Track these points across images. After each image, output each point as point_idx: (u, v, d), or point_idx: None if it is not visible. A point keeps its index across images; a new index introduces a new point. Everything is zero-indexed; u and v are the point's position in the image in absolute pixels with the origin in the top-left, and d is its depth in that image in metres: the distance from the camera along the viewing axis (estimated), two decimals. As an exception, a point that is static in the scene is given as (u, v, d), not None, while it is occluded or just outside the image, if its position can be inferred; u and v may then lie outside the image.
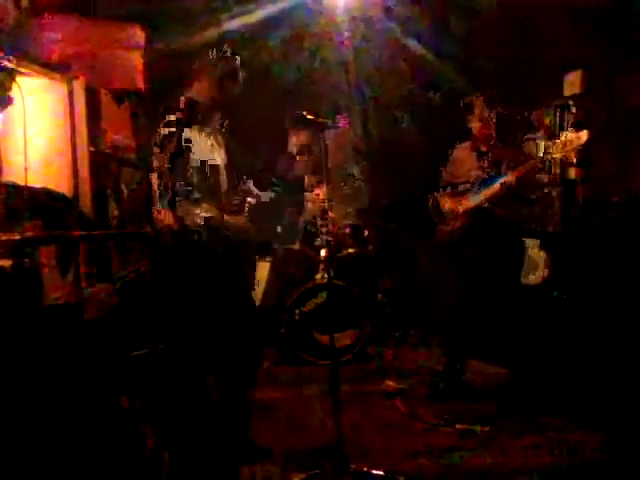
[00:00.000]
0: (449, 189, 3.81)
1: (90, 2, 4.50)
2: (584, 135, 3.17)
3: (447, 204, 3.78)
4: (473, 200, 3.65)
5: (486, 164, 3.72)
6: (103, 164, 4.38)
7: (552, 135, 4.40)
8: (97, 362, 2.59)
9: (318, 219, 4.86)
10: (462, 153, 3.87)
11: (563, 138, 3.24)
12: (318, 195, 4.91)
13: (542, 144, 4.58)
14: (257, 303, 4.99)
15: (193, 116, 2.97)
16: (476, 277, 3.62)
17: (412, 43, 5.50)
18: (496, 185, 3.56)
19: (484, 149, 3.77)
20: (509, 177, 3.51)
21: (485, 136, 3.75)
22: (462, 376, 3.80)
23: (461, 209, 3.70)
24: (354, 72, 6.17)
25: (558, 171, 4.46)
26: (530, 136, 4.74)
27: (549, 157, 3.38)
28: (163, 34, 4.89)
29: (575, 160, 3.81)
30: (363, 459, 2.76)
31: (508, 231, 3.66)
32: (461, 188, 3.75)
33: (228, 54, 3.15)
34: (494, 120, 3.70)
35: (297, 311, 4.58)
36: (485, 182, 3.63)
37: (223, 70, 3.08)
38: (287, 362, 4.58)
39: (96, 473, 2.39)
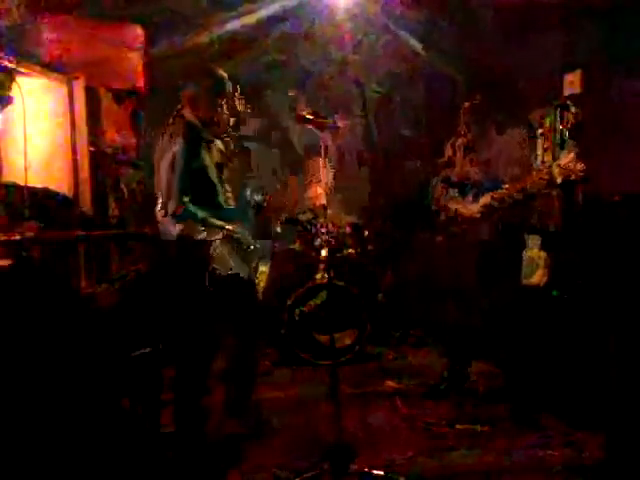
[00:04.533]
0: (451, 190, 3.82)
1: (91, 2, 4.50)
2: (580, 166, 3.19)
3: (451, 206, 3.80)
4: (474, 205, 3.67)
5: (481, 166, 3.74)
6: (103, 164, 4.38)
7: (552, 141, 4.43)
8: (98, 363, 2.59)
9: (318, 218, 4.85)
10: (460, 154, 3.90)
11: (562, 166, 3.24)
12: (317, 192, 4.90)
13: (540, 144, 4.60)
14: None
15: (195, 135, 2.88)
16: (479, 280, 3.62)
17: (412, 43, 5.51)
18: (497, 193, 3.57)
19: (473, 151, 3.80)
20: (509, 189, 3.51)
21: (466, 140, 3.81)
22: (464, 377, 3.79)
23: (465, 213, 3.70)
24: (355, 72, 6.18)
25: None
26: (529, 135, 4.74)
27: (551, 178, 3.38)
28: (163, 34, 4.90)
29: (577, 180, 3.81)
30: (363, 459, 2.76)
31: (508, 234, 3.67)
32: (457, 189, 3.78)
33: (211, 69, 3.01)
34: (471, 125, 3.74)
35: (297, 311, 4.58)
36: (486, 188, 3.65)
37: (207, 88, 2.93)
38: (287, 362, 4.58)
39: (96, 472, 2.39)
